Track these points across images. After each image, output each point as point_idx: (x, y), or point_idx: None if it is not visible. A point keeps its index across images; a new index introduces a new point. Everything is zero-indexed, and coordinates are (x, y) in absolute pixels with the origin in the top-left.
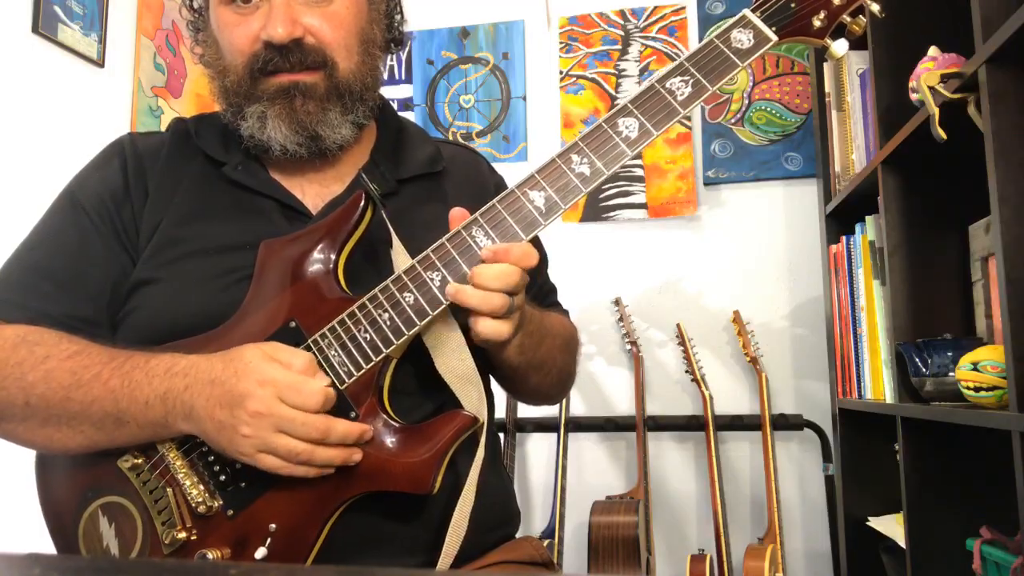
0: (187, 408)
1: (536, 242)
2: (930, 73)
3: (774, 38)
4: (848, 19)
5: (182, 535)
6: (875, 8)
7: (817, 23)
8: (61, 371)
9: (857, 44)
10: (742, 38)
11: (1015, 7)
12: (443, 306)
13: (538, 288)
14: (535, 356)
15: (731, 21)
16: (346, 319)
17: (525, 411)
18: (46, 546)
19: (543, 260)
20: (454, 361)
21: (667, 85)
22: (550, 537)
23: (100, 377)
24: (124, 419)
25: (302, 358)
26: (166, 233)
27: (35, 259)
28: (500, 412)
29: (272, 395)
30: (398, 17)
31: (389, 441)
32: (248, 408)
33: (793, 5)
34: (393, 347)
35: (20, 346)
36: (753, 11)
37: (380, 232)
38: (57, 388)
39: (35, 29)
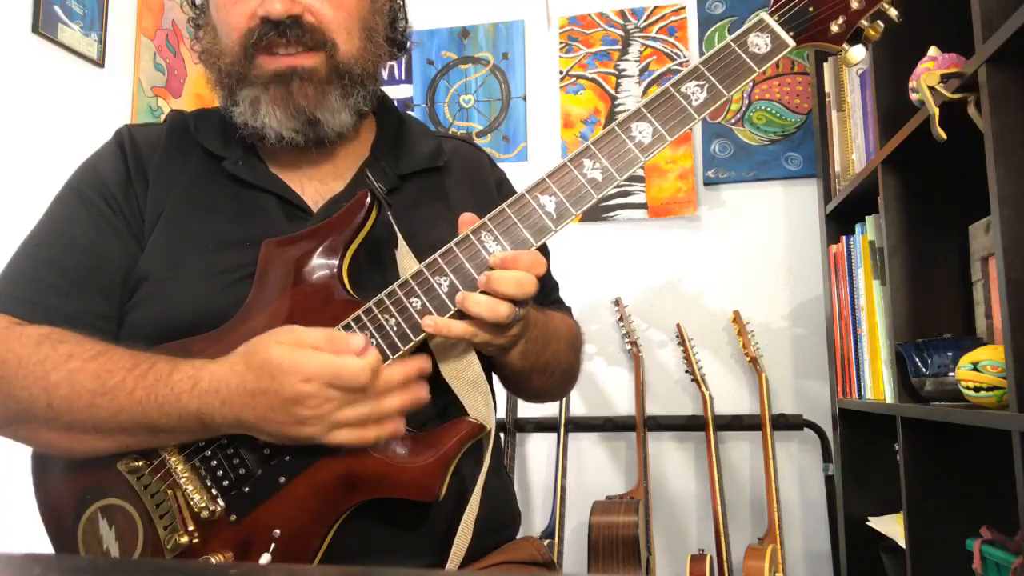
0: (231, 419)
1: None
2: (930, 73)
3: (792, 43)
4: (865, 24)
5: (184, 539)
6: (893, 13)
7: (835, 28)
8: (84, 373)
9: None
10: (759, 42)
11: (1015, 7)
12: (451, 312)
13: (541, 285)
14: (538, 360)
15: (748, 24)
16: (352, 324)
17: (525, 411)
18: (46, 546)
19: (547, 257)
20: (460, 367)
21: (682, 89)
22: (550, 537)
23: (124, 386)
24: (158, 428)
25: (321, 335)
26: (166, 227)
27: (45, 255)
28: (500, 412)
29: (320, 389)
30: (403, 22)
31: (394, 447)
32: (307, 407)
33: (811, 9)
34: (400, 353)
35: (43, 343)
36: (771, 14)
37: (383, 233)
38: (82, 391)
39: (35, 29)
